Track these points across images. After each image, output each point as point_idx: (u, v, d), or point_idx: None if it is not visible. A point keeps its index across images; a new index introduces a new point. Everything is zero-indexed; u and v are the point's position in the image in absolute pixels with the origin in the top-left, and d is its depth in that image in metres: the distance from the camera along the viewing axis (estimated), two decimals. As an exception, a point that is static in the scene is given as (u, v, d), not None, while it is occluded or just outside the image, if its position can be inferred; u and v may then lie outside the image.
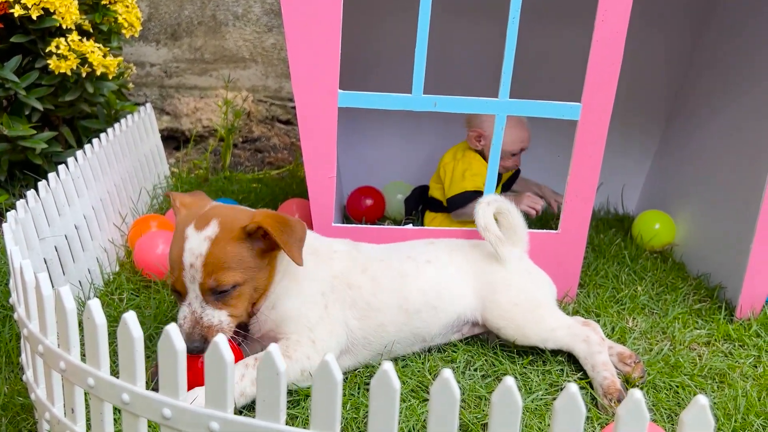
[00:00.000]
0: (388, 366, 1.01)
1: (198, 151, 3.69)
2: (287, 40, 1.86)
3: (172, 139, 3.71)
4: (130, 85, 3.18)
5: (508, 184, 2.66)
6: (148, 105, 3.02)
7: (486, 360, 1.85)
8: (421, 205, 2.72)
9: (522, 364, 1.83)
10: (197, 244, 1.58)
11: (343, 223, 2.83)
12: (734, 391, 1.74)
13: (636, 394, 0.96)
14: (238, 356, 1.64)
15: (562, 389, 1.72)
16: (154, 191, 2.83)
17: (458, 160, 2.46)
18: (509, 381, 0.99)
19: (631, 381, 1.74)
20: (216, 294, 1.59)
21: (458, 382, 1.73)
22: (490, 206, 1.97)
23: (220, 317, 1.60)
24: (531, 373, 1.80)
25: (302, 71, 1.90)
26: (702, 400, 0.96)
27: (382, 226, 2.14)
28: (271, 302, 1.70)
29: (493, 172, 2.08)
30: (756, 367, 1.90)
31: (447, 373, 0.99)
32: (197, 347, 1.55)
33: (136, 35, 2.84)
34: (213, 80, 3.68)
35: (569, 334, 1.82)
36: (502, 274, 1.91)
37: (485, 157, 2.46)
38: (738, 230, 2.22)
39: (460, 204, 2.37)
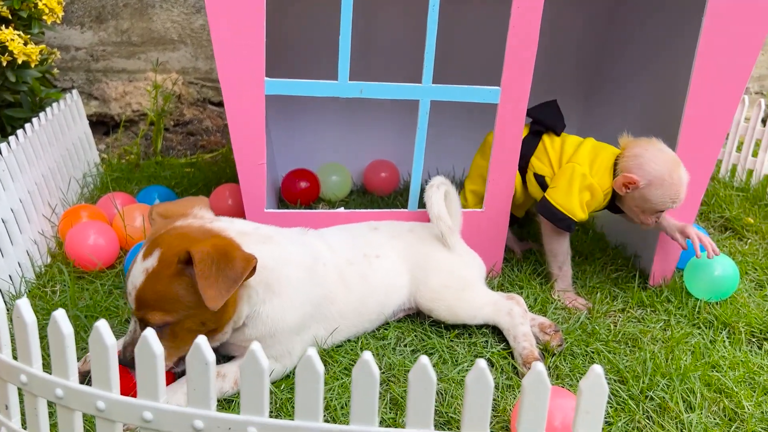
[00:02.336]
0: (311, 352, 1.08)
1: (129, 136, 3.64)
2: (211, 31, 1.87)
3: (102, 125, 3.65)
4: (55, 71, 3.11)
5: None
6: (75, 91, 2.97)
7: (416, 335, 1.94)
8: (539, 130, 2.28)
9: (449, 337, 1.92)
10: (137, 274, 1.50)
11: (278, 206, 2.87)
12: (644, 354, 1.88)
13: (538, 366, 1.05)
14: (170, 380, 1.58)
15: (486, 359, 1.83)
16: (84, 180, 2.80)
17: (587, 182, 2.10)
18: (423, 359, 1.07)
19: (550, 349, 1.86)
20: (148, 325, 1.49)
21: (389, 358, 1.81)
22: (440, 190, 2.03)
23: None
24: (458, 346, 1.89)
25: (228, 61, 1.91)
26: (597, 369, 1.06)
27: (315, 210, 2.19)
28: (263, 322, 1.63)
29: (419, 157, 2.14)
30: (665, 330, 2.04)
31: (367, 355, 1.07)
32: (125, 363, 1.53)
33: (59, 21, 2.78)
34: (142, 63, 3.62)
35: (495, 309, 1.92)
36: (435, 258, 1.98)
37: (622, 202, 2.15)
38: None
39: (550, 216, 2.14)
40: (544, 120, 2.25)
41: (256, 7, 1.87)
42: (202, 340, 1.08)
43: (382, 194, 3.06)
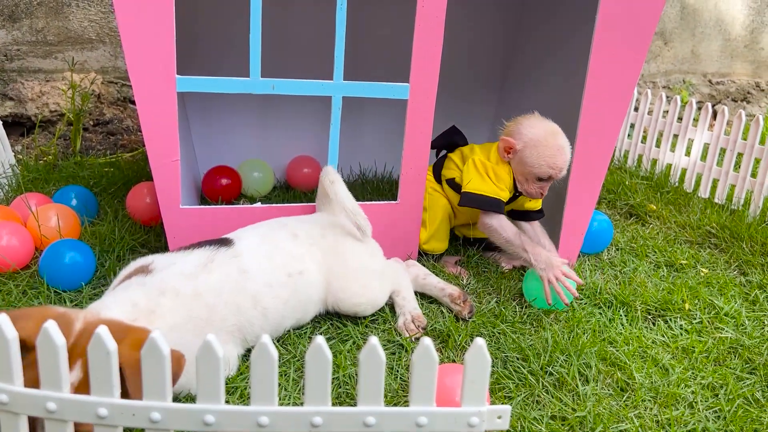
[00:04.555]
0: (211, 337, 1.13)
1: (46, 136, 3.57)
2: (120, 27, 1.88)
3: (18, 125, 3.57)
4: (-35, 71, 3.04)
5: (522, 215, 2.45)
6: (-14, 92, 2.91)
7: (332, 324, 2.00)
8: (445, 151, 2.54)
9: (364, 324, 2.00)
10: None
11: (200, 203, 2.88)
12: (546, 333, 1.99)
13: (425, 341, 1.13)
14: None
15: (399, 344, 1.91)
16: (-3, 181, 2.75)
17: (489, 166, 2.28)
18: (319, 339, 1.13)
19: (461, 318, 1.97)
20: None
21: (304, 347, 1.87)
22: (341, 182, 2.11)
23: None
24: (372, 331, 1.97)
25: (138, 58, 1.92)
26: (479, 341, 1.15)
27: (233, 206, 2.22)
28: None
29: (334, 152, 2.21)
30: (567, 312, 2.16)
31: (265, 338, 1.12)
32: None
33: (-34, 19, 2.72)
34: (59, 63, 3.56)
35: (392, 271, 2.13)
36: (350, 265, 1.99)
37: (513, 172, 2.30)
38: (556, 194, 2.49)
39: (478, 204, 2.25)
40: (445, 145, 2.52)
41: (164, 2, 1.89)
42: (102, 330, 1.12)
43: (305, 190, 3.11)
